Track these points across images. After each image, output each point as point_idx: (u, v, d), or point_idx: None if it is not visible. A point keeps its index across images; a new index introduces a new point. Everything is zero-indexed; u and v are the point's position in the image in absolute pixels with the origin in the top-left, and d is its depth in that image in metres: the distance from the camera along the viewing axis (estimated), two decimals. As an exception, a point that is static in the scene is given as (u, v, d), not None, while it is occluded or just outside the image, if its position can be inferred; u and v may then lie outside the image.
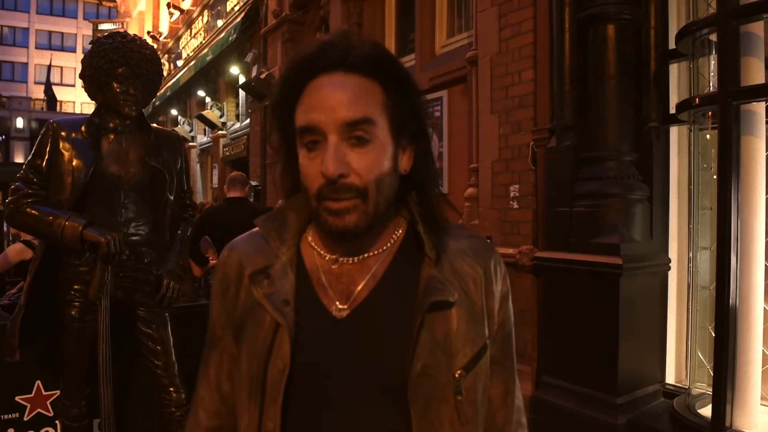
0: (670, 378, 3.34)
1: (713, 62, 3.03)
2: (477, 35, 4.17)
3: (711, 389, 2.95)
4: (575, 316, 3.22)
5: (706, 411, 2.83)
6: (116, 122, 2.19)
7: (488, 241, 0.94)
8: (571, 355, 3.26)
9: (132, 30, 18.93)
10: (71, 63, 41.11)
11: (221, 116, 12.00)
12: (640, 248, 3.18)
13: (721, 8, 2.64)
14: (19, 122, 36.83)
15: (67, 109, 39.26)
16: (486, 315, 0.84)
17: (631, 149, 3.26)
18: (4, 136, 36.37)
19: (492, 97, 3.94)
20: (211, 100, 12.37)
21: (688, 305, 3.31)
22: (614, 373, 3.02)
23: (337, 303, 0.81)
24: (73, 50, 41.80)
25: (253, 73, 8.84)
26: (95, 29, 19.32)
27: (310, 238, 0.87)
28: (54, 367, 2.31)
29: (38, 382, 2.46)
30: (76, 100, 40.52)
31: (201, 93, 12.76)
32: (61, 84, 39.87)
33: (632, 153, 3.26)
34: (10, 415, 2.41)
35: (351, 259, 0.84)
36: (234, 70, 10.41)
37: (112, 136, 2.18)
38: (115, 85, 2.11)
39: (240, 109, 11.22)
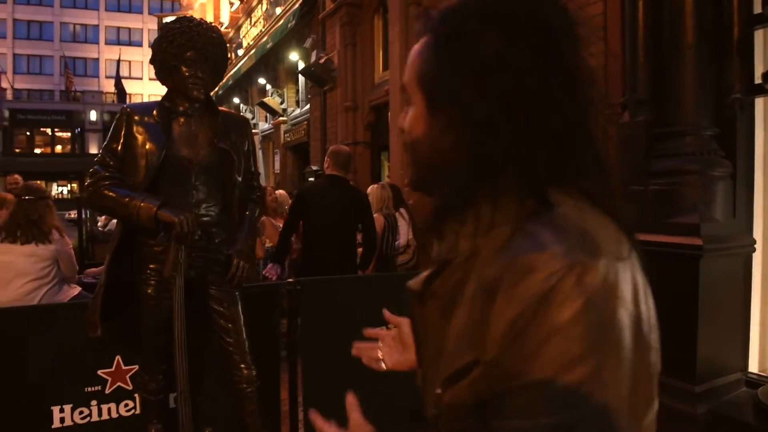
0: (753, 366, 3.14)
1: (808, 26, 2.78)
2: (542, 8, 4.01)
3: (800, 379, 2.77)
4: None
5: (795, 402, 2.65)
6: (186, 106, 2.24)
7: (552, 242, 0.60)
8: (645, 340, 3.11)
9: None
10: (138, 57, 43.00)
11: (281, 103, 12.21)
12: (722, 228, 2.98)
13: (819, -36, 2.40)
14: (93, 115, 38.90)
15: (136, 101, 41.08)
16: (471, 336, 0.63)
17: (712, 123, 3.05)
18: (79, 129, 38.55)
19: (559, 72, 3.78)
20: (272, 87, 12.61)
21: (774, 289, 3.10)
22: (693, 361, 2.87)
23: None
24: (140, 44, 43.68)
25: (313, 59, 8.91)
26: (160, 23, 20.04)
27: None
28: (132, 344, 2.42)
29: (118, 357, 2.58)
30: (144, 92, 42.37)
31: (261, 80, 13.02)
32: (129, 77, 41.80)
33: (713, 127, 3.04)
34: (93, 388, 2.54)
35: None
36: (293, 56, 10.54)
37: (182, 120, 2.23)
38: (184, 69, 2.15)
39: (300, 95, 11.37)
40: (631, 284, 0.60)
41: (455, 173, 0.69)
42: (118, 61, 38.36)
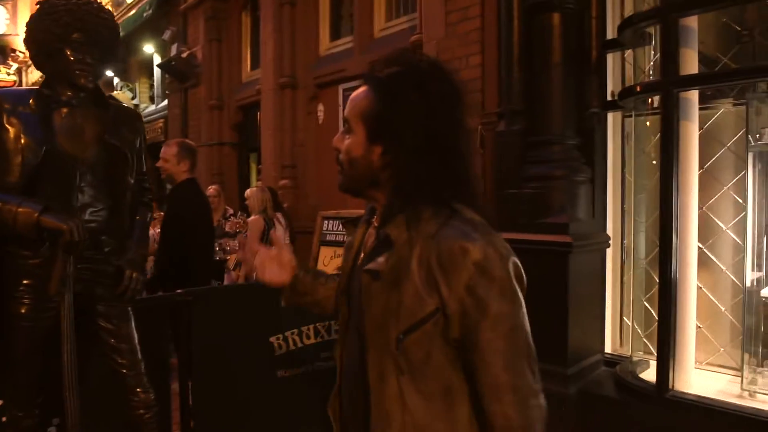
0: (608, 348, 3.57)
1: (651, 53, 3.23)
2: (422, 19, 4.18)
3: (648, 356, 3.20)
4: (527, 293, 3.35)
5: (646, 375, 3.07)
6: (69, 95, 1.96)
7: (471, 232, 0.99)
8: (524, 331, 3.38)
9: (19, 5, 17.10)
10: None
11: (133, 98, 11.22)
12: (585, 227, 3.35)
13: (664, 2, 2.81)
14: None
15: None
16: (427, 295, 0.97)
17: (575, 134, 3.41)
18: None
19: (438, 81, 3.97)
20: (121, 80, 11.52)
21: (621, 279, 3.55)
22: (564, 346, 3.18)
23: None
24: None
25: (173, 52, 8.33)
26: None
27: None
28: (-3, 374, 2.05)
29: (-27, 391, 2.18)
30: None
31: (109, 73, 11.82)
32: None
33: (576, 137, 3.41)
34: (-62, 433, 2.11)
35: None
36: (148, 48, 9.74)
37: (65, 111, 1.95)
38: (69, 53, 1.88)
39: (155, 90, 10.54)
40: None
41: (389, 184, 1.05)
42: None
